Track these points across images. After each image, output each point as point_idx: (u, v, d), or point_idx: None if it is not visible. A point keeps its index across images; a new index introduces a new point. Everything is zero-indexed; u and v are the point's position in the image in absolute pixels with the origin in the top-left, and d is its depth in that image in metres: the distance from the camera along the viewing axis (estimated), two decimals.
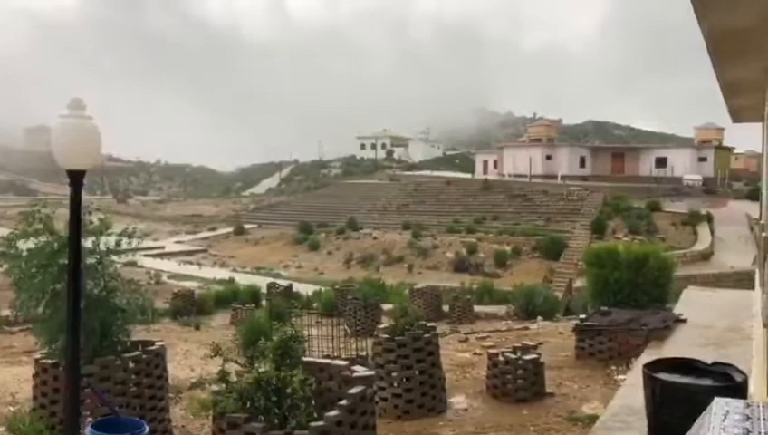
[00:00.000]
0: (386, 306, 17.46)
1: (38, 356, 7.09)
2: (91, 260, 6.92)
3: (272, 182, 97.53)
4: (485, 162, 71.41)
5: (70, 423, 4.34)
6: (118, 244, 6.86)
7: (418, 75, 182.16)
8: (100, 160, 4.35)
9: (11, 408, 8.32)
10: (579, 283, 25.47)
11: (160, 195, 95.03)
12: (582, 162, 61.92)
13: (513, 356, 8.20)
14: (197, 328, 17.22)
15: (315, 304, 19.92)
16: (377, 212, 56.09)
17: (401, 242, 43.04)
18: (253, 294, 22.35)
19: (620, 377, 8.45)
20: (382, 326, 8.70)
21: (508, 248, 39.41)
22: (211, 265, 40.54)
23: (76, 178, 4.15)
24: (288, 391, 5.57)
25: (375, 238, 45.49)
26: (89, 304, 6.88)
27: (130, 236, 7.03)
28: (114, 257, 6.86)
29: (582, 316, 10.96)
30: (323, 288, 25.07)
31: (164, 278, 31.73)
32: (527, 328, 14.85)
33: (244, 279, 31.20)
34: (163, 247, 45.67)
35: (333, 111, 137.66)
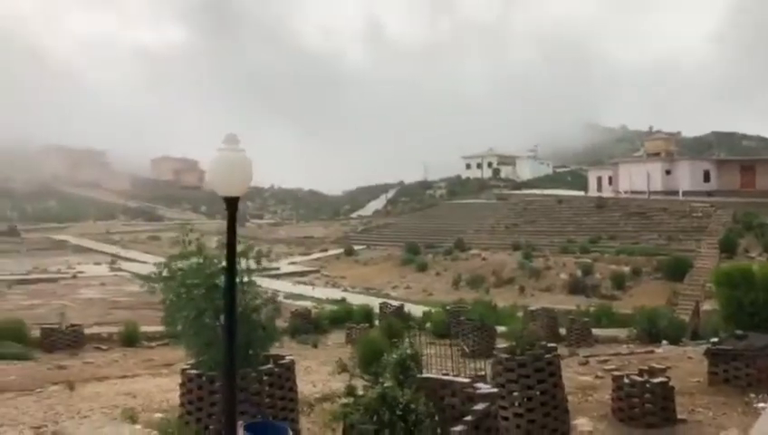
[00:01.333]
0: (499, 328, 17.30)
1: (184, 367, 7.74)
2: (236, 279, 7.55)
3: (378, 204, 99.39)
4: (599, 179, 68.67)
5: (227, 425, 4.78)
6: (258, 263, 7.43)
7: (523, 92, 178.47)
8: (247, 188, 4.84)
9: (158, 414, 9.12)
10: (707, 305, 23.84)
11: (274, 218, 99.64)
12: (706, 176, 57.99)
13: (639, 379, 7.92)
14: (315, 346, 17.91)
15: (427, 325, 20.06)
16: (485, 232, 55.56)
17: (511, 263, 42.30)
18: (366, 314, 22.91)
19: (761, 405, 7.90)
20: (501, 346, 8.71)
21: (627, 269, 37.61)
22: (323, 285, 41.90)
23: (231, 204, 4.63)
24: (411, 406, 5.78)
25: (484, 259, 45.04)
26: None
27: (266, 257, 7.59)
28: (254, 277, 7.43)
29: (714, 340, 10.33)
30: (433, 309, 25.20)
31: (280, 298, 33.15)
32: (652, 352, 14.14)
33: (355, 299, 31.99)
34: (278, 268, 47.84)
35: (437, 132, 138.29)
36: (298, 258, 56.59)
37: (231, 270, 4.78)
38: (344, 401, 6.09)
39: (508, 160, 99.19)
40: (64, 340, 16.81)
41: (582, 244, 44.69)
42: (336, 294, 36.52)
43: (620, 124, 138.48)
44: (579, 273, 38.26)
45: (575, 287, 36.48)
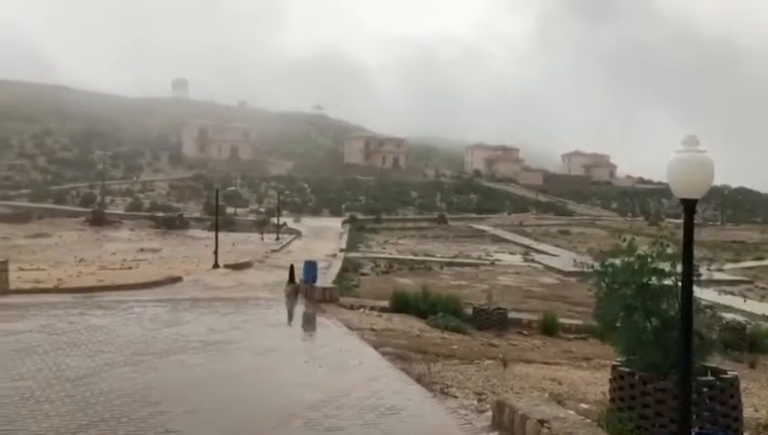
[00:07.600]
0: None
1: (615, 364, 7.82)
2: (667, 282, 7.32)
3: None
4: None
5: (681, 429, 4.71)
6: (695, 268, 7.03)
7: None
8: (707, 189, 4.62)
9: (582, 405, 9.45)
10: None
11: (695, 218, 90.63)
12: None
13: None
14: (752, 366, 15.77)
15: None
16: None
17: None
18: None
19: None
20: None
21: None
22: (758, 298, 36.24)
23: (689, 206, 4.52)
24: None
25: None
26: (665, 323, 7.29)
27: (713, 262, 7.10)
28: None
29: None
30: None
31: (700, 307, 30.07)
32: None
33: None
34: (700, 275, 43.36)
35: None
36: (725, 265, 50.43)
37: (688, 271, 4.66)
38: None
39: None
40: (491, 320, 18.74)
41: None
42: None
43: None
44: None
45: None
